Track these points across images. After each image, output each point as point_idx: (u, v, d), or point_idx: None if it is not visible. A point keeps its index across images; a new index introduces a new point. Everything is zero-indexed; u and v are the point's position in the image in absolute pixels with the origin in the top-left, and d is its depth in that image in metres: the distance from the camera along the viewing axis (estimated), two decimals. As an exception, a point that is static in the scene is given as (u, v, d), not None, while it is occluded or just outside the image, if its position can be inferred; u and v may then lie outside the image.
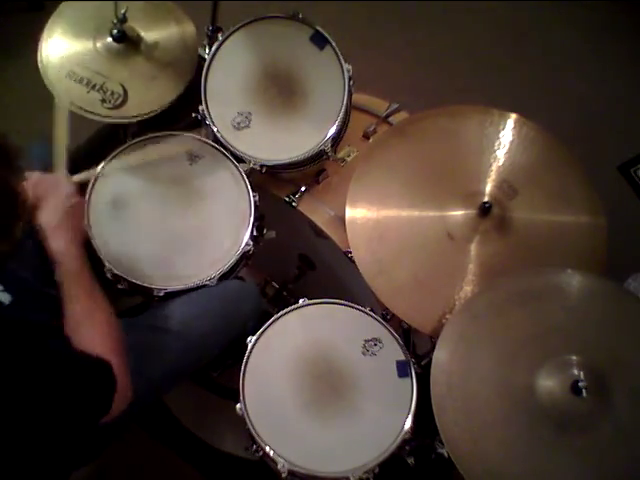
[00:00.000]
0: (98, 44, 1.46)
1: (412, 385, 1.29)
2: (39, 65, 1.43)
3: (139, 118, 1.46)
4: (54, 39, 1.46)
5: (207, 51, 1.55)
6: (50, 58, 1.43)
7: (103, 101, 1.43)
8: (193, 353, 1.36)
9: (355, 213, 1.34)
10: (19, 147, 0.96)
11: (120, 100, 1.44)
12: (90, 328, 1.08)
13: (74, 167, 1.48)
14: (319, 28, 1.49)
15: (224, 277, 1.41)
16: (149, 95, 1.47)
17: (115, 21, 1.43)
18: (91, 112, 1.44)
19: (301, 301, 1.37)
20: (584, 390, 1.05)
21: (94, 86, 1.44)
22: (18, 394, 0.91)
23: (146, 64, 1.48)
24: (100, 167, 1.44)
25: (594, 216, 1.34)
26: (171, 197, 1.45)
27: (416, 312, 1.28)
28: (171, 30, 1.53)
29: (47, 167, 1.30)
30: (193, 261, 1.40)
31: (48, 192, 1.16)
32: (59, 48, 1.45)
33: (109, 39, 1.45)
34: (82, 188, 1.31)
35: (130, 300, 1.44)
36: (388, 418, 1.27)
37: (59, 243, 1.11)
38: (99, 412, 1.01)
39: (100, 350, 1.04)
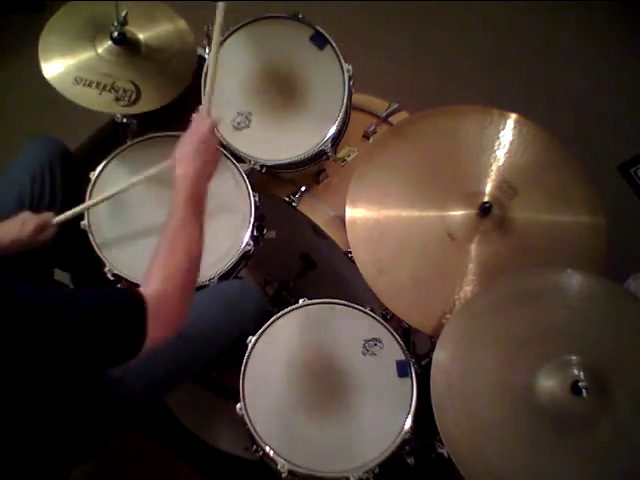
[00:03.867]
0: (99, 48, 1.45)
1: (412, 385, 1.29)
2: (44, 75, 1.41)
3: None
4: (51, 48, 1.44)
5: (207, 51, 1.55)
6: (52, 69, 1.42)
7: (117, 100, 1.42)
8: (194, 353, 1.35)
9: (355, 213, 1.34)
10: None
11: (134, 96, 1.43)
12: (167, 251, 1.10)
13: (75, 166, 1.49)
14: (319, 28, 1.49)
15: (224, 277, 1.41)
16: (161, 86, 1.47)
17: (115, 23, 1.43)
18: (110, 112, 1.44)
19: (301, 301, 1.37)
20: (584, 390, 1.05)
21: (104, 87, 1.43)
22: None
23: (148, 62, 1.48)
24: (100, 167, 1.44)
25: (594, 216, 1.34)
26: (171, 197, 1.44)
27: (416, 312, 1.28)
28: (164, 27, 1.53)
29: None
30: (193, 261, 1.40)
31: (191, 124, 1.23)
32: (59, 57, 1.43)
33: (109, 42, 1.45)
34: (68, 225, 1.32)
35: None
36: (388, 418, 1.27)
37: (179, 170, 1.18)
38: (131, 337, 0.97)
39: (155, 273, 1.04)
